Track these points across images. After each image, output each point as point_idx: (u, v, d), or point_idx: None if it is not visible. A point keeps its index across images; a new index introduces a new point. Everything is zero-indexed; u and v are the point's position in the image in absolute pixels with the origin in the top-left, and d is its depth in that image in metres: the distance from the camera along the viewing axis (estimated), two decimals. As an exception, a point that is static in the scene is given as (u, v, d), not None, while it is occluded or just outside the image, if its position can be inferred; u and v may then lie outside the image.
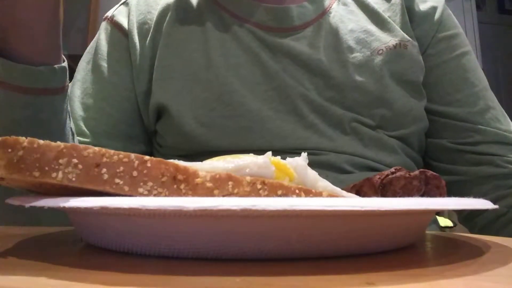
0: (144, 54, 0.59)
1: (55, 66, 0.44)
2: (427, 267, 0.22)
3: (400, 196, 0.29)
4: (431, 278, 0.19)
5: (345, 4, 0.62)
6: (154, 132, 0.60)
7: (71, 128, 0.51)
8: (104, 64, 0.60)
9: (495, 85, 2.96)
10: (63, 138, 0.48)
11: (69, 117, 0.51)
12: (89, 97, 0.59)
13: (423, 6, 0.62)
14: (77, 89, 0.59)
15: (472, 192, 0.57)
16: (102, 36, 0.62)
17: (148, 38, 0.59)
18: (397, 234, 0.26)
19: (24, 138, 0.22)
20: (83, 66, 0.62)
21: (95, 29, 2.31)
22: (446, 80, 0.60)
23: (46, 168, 0.22)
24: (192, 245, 0.22)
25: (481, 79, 0.62)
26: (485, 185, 0.57)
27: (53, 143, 0.23)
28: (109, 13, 0.65)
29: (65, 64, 0.46)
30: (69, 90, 0.57)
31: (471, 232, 0.62)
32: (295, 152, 0.52)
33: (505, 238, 0.34)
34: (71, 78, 0.84)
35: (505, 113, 0.61)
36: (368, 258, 0.24)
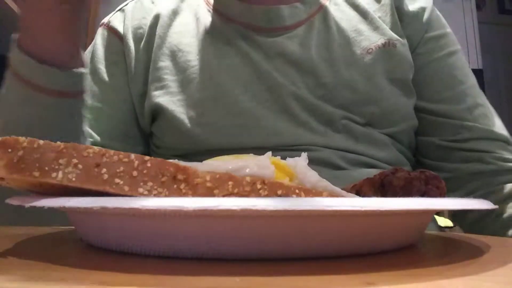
0: (139, 57, 0.60)
1: (73, 70, 0.46)
2: (427, 267, 0.22)
3: (400, 196, 0.29)
4: (431, 278, 0.19)
5: (336, 4, 0.64)
6: (150, 134, 0.61)
7: (83, 131, 0.52)
8: (102, 67, 0.61)
9: (495, 85, 2.96)
10: (76, 141, 0.48)
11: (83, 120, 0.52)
12: (88, 98, 0.59)
13: (412, 7, 0.63)
14: None
15: (462, 189, 0.59)
16: (98, 41, 0.64)
17: (142, 42, 0.61)
18: (397, 234, 0.26)
19: (24, 138, 0.22)
20: None
21: (95, 30, 2.31)
22: (435, 78, 0.62)
23: (46, 168, 0.22)
24: (192, 245, 0.22)
25: (469, 77, 0.63)
26: (474, 182, 0.58)
27: (53, 143, 0.23)
28: (105, 20, 0.66)
29: (83, 70, 0.47)
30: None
31: (462, 229, 0.64)
32: (291, 149, 0.54)
33: (505, 238, 0.34)
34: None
35: (493, 110, 0.63)
36: (368, 258, 0.23)
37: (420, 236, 0.30)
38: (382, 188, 0.30)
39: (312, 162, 0.51)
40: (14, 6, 1.55)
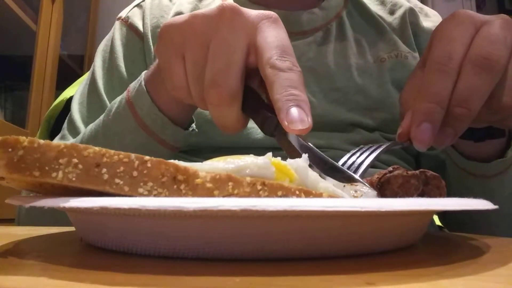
0: None
1: (191, 130, 0.47)
2: (427, 267, 0.22)
3: (398, 195, 0.29)
4: (431, 278, 0.19)
5: (352, 14, 0.67)
6: None
7: None
8: (121, 64, 0.62)
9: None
10: None
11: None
12: (108, 93, 0.61)
13: (426, 23, 0.67)
14: (100, 81, 0.62)
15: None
16: (116, 36, 0.64)
17: None
18: (397, 234, 0.26)
19: (24, 137, 0.22)
20: (99, 64, 0.63)
21: (95, 29, 2.31)
22: None
23: (46, 168, 0.22)
24: (192, 245, 0.22)
25: None
26: None
27: (53, 143, 0.23)
28: (122, 14, 0.66)
29: (194, 126, 0.48)
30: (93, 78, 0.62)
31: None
32: None
33: (505, 238, 0.34)
34: (70, 80, 0.84)
35: None
36: (368, 258, 0.23)
37: (420, 236, 0.30)
38: (380, 186, 0.30)
39: None
40: (14, 7, 1.55)
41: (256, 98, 0.37)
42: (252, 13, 0.36)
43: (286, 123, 0.31)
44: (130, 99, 0.45)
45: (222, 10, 0.35)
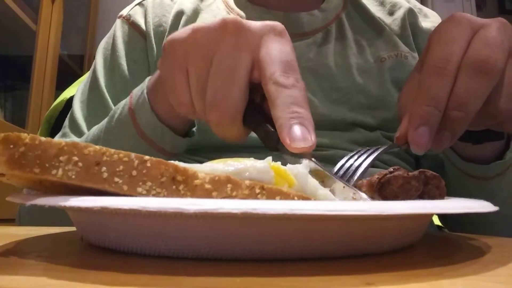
0: (160, 56, 0.60)
1: (190, 137, 0.47)
2: (427, 267, 0.22)
3: (398, 195, 0.29)
4: (431, 278, 0.19)
5: (351, 15, 0.67)
6: None
7: None
8: (123, 63, 0.61)
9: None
10: None
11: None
12: (110, 91, 0.61)
13: (425, 24, 0.67)
14: (102, 79, 0.61)
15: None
16: (118, 34, 0.63)
17: (164, 41, 0.61)
18: (397, 235, 0.26)
19: (26, 134, 0.22)
20: (101, 62, 0.63)
21: (95, 29, 2.31)
22: None
23: (47, 165, 0.22)
24: (192, 246, 0.22)
25: None
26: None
27: (54, 140, 0.23)
28: (124, 12, 0.66)
29: (194, 130, 0.48)
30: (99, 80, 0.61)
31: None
32: None
33: (505, 238, 0.34)
34: (70, 80, 0.84)
35: None
36: (368, 258, 0.23)
37: (420, 237, 0.30)
38: (380, 187, 0.30)
39: (318, 160, 0.53)
40: (14, 7, 1.55)
41: (258, 112, 0.36)
42: (256, 26, 0.35)
43: (288, 142, 0.30)
44: (132, 106, 0.45)
45: (225, 24, 0.34)
